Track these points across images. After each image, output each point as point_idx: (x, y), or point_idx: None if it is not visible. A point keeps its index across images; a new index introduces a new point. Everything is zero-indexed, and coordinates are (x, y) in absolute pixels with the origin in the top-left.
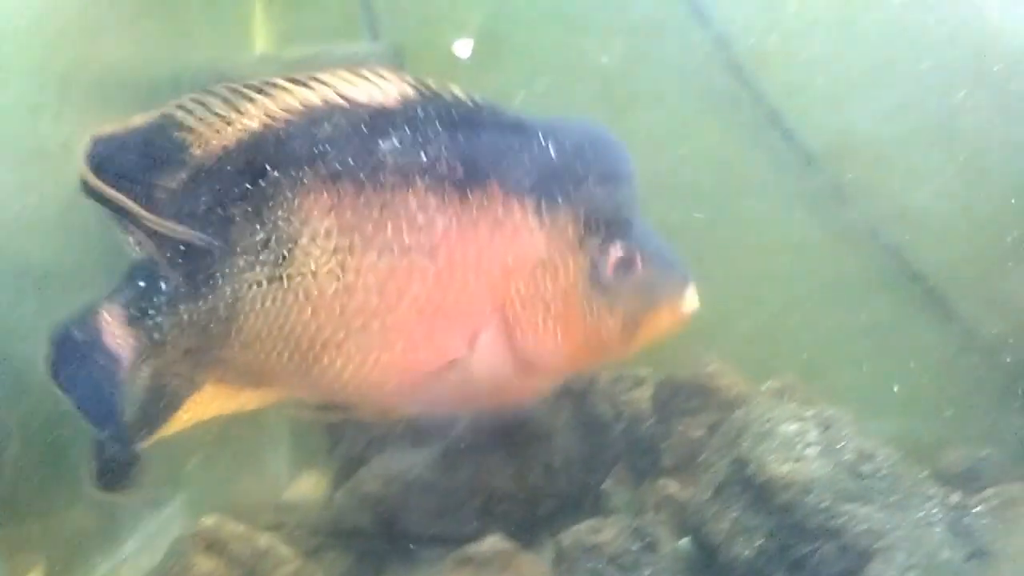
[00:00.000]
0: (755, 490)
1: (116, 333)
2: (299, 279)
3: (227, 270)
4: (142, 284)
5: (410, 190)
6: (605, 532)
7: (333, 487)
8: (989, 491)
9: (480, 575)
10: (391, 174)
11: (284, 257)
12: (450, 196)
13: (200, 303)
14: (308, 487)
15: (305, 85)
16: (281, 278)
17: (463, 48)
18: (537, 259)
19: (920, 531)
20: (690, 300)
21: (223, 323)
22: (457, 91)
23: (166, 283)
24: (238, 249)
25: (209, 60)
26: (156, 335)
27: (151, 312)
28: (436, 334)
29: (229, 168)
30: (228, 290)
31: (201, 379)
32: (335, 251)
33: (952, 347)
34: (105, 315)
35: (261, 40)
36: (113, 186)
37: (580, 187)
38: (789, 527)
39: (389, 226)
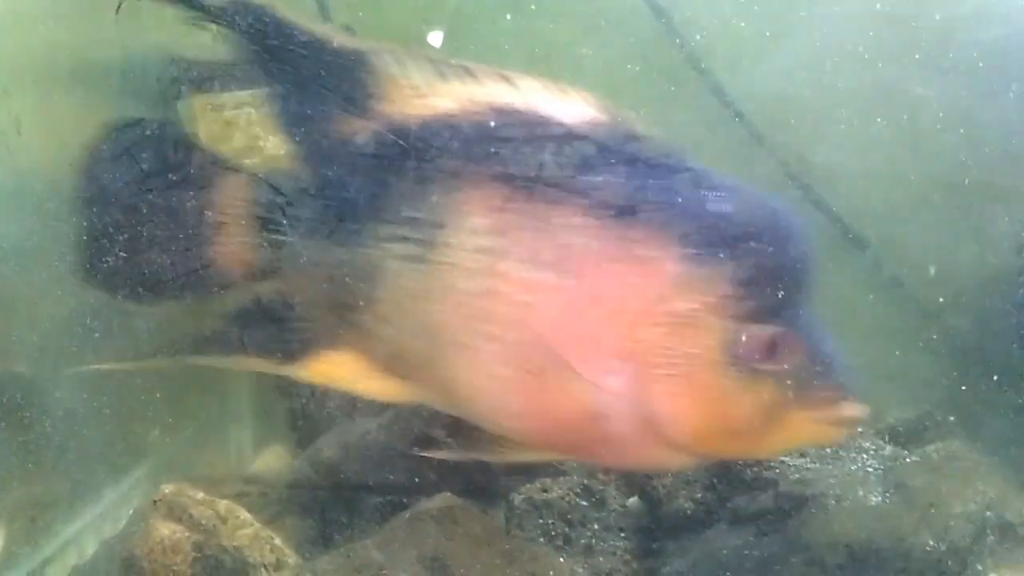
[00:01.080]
0: None
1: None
2: (441, 267)
3: (370, 233)
4: (269, 196)
5: (564, 210)
6: (555, 490)
7: (294, 458)
8: (930, 447)
9: (431, 531)
10: (552, 190)
11: (432, 242)
12: (600, 224)
13: (330, 253)
14: (272, 460)
15: (506, 83)
16: (425, 260)
17: (434, 39)
18: (672, 309)
19: (852, 480)
20: (849, 411)
21: (358, 285)
22: (644, 126)
23: (298, 211)
24: (387, 217)
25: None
26: (266, 255)
27: (268, 228)
28: (561, 363)
29: (408, 137)
30: (367, 253)
31: (340, 338)
32: (481, 251)
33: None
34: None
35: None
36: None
37: (740, 252)
38: (727, 479)
39: (537, 241)
